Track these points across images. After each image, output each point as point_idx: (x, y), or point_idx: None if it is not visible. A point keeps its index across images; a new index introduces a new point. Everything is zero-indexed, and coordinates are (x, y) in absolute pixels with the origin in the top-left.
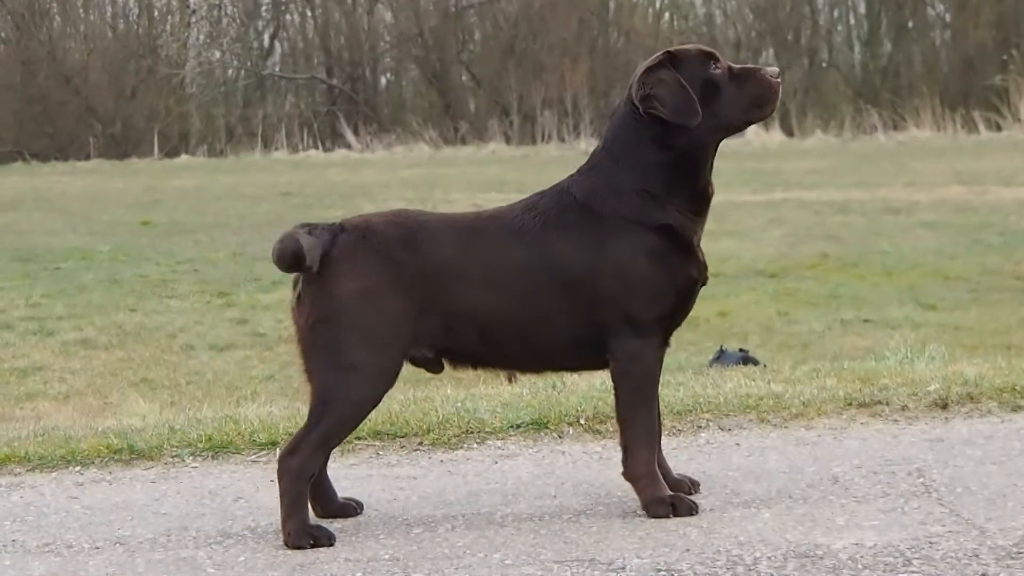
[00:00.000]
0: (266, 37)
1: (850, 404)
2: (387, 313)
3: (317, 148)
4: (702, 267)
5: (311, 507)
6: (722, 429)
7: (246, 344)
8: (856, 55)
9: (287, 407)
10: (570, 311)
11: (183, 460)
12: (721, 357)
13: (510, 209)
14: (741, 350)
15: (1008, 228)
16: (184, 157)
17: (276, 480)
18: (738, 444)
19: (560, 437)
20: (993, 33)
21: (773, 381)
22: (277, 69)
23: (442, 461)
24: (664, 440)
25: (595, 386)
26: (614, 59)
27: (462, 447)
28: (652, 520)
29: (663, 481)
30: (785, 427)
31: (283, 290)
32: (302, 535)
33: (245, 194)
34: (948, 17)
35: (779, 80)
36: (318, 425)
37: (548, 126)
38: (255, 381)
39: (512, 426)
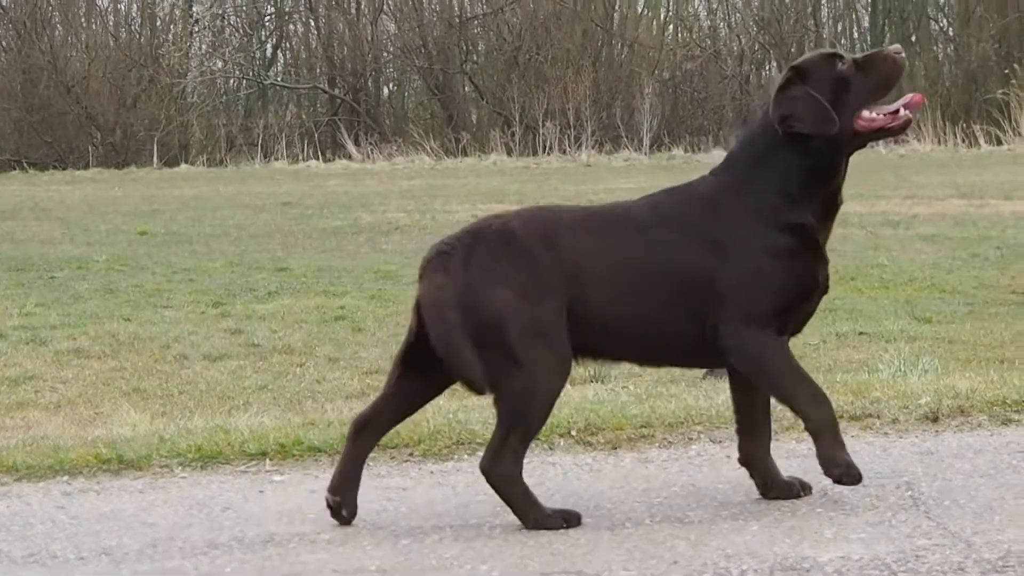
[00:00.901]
0: (269, 47)
1: (841, 416)
2: (546, 308)
3: (318, 158)
4: (826, 275)
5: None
6: (713, 441)
7: (240, 354)
8: None
9: (279, 417)
10: (692, 308)
11: (172, 470)
12: (716, 369)
13: (639, 205)
14: None
15: (1006, 242)
16: (184, 167)
17: (494, 491)
18: (728, 457)
19: (551, 449)
20: (996, 47)
21: None
22: (279, 79)
23: (432, 472)
24: (655, 451)
25: (587, 398)
26: (617, 71)
27: (453, 458)
28: (640, 532)
29: (843, 441)
30: (776, 440)
31: (279, 300)
32: (551, 519)
33: (244, 204)
34: (951, 31)
35: (902, 55)
36: (516, 429)
37: (550, 137)
38: (248, 391)
39: None
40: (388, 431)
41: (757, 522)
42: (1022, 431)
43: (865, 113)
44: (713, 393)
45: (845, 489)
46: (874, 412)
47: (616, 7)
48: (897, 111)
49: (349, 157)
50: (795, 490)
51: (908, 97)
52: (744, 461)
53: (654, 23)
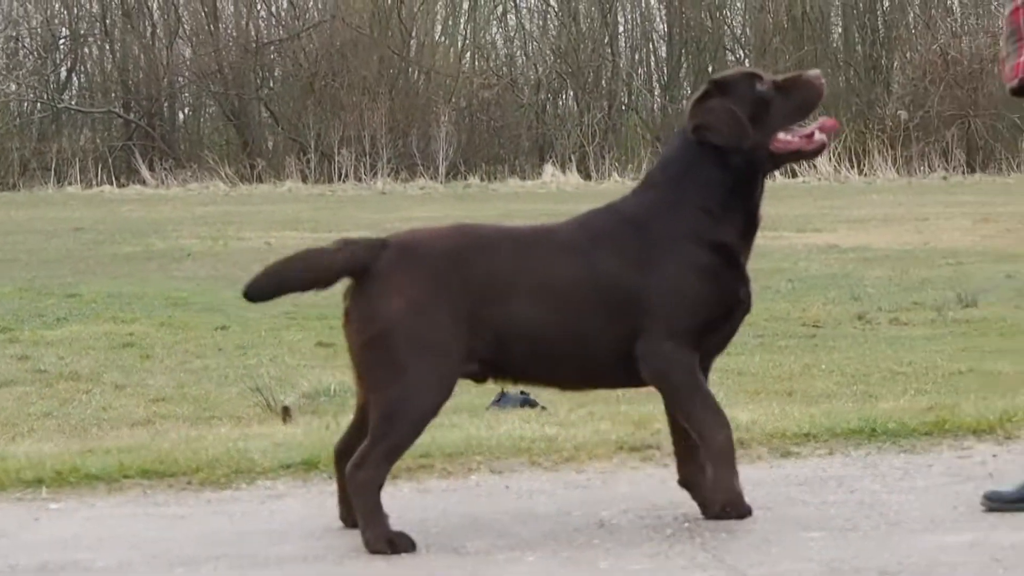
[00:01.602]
0: (63, 70)
1: (622, 448)
2: (440, 325)
3: (112, 183)
4: (748, 292)
5: (340, 508)
6: (493, 472)
7: (26, 380)
8: (656, 99)
9: (61, 444)
10: (617, 328)
11: None
12: (502, 399)
13: (564, 225)
14: (522, 392)
15: (798, 275)
16: None
17: (350, 494)
18: (508, 487)
19: (330, 478)
20: None
21: (548, 424)
22: (73, 102)
23: (210, 501)
24: (434, 481)
25: None
26: (414, 99)
27: (231, 487)
28: (416, 563)
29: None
30: (556, 470)
31: (68, 326)
32: (382, 543)
33: (36, 229)
34: (748, 63)
35: (822, 80)
36: (384, 439)
37: (346, 165)
38: (32, 418)
39: (283, 466)
40: None
41: (534, 553)
42: (801, 464)
43: (782, 135)
44: (495, 423)
45: (623, 521)
46: (655, 444)
47: (413, 35)
48: (812, 134)
49: (143, 182)
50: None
51: (821, 121)
52: (683, 483)
53: (451, 51)
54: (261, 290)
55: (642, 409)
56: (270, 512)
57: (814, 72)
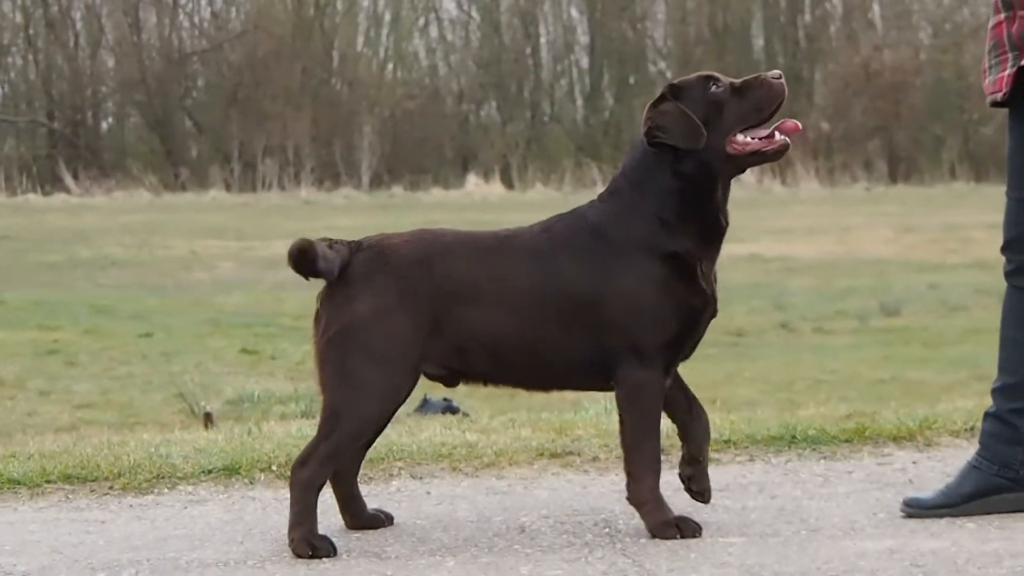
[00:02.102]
0: None
1: (542, 454)
2: (398, 332)
3: (36, 192)
4: (709, 298)
5: (342, 517)
6: (414, 477)
7: None
8: (578, 109)
9: None
10: (577, 334)
11: None
12: (425, 406)
13: (528, 230)
14: (445, 399)
15: (721, 284)
16: None
17: (289, 489)
18: (429, 492)
19: (252, 483)
20: None
21: (469, 430)
22: None
23: (132, 506)
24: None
25: (291, 433)
26: (337, 109)
27: (153, 492)
28: (337, 568)
29: (666, 504)
30: (477, 476)
31: None
32: (304, 545)
33: None
34: (670, 74)
35: (781, 80)
36: (328, 439)
37: (269, 174)
38: None
39: (204, 471)
40: (364, 452)
41: (454, 558)
42: (723, 470)
43: (739, 137)
44: (417, 430)
45: (544, 526)
46: (575, 450)
47: (335, 45)
48: (772, 135)
49: (68, 191)
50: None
51: (782, 121)
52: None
53: (373, 62)
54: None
55: (563, 416)
56: (191, 517)
57: (774, 72)
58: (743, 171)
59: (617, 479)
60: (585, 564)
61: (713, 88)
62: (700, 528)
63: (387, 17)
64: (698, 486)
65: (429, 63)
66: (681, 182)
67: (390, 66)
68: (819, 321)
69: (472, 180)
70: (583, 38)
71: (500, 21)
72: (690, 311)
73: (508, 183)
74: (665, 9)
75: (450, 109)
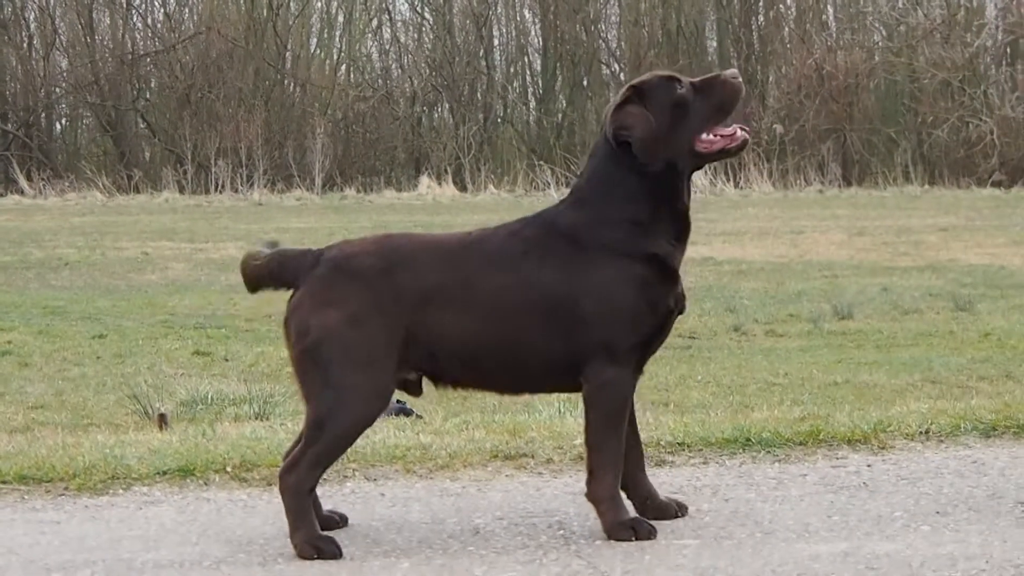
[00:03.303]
0: None
1: (496, 456)
2: (373, 336)
3: None
4: (680, 296)
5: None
6: (368, 479)
7: None
8: (531, 112)
9: None
10: (549, 337)
11: None
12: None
13: (493, 234)
14: (399, 401)
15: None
16: None
17: (281, 496)
18: (383, 494)
19: (206, 485)
20: None
21: (423, 432)
22: None
23: (86, 507)
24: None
25: (245, 435)
26: (290, 110)
27: (107, 493)
28: (291, 569)
29: (624, 506)
30: (431, 478)
31: None
32: (308, 547)
33: None
34: (623, 76)
35: (739, 79)
36: (314, 445)
37: (222, 176)
38: None
39: (158, 472)
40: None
41: (408, 560)
42: (676, 472)
43: (704, 136)
44: (370, 431)
45: (498, 528)
46: (529, 452)
47: (288, 47)
48: (735, 132)
49: (21, 192)
50: (672, 511)
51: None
52: (623, 484)
53: (326, 63)
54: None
55: (517, 418)
56: (145, 518)
57: (731, 72)
58: (702, 168)
59: (571, 481)
60: (539, 566)
61: (678, 88)
62: (655, 530)
63: (340, 19)
64: (654, 502)
65: (382, 65)
66: (650, 182)
67: (343, 68)
68: (771, 324)
69: (424, 182)
70: (536, 40)
71: (453, 23)
72: (665, 311)
73: (460, 185)
74: (618, 11)
75: (403, 111)
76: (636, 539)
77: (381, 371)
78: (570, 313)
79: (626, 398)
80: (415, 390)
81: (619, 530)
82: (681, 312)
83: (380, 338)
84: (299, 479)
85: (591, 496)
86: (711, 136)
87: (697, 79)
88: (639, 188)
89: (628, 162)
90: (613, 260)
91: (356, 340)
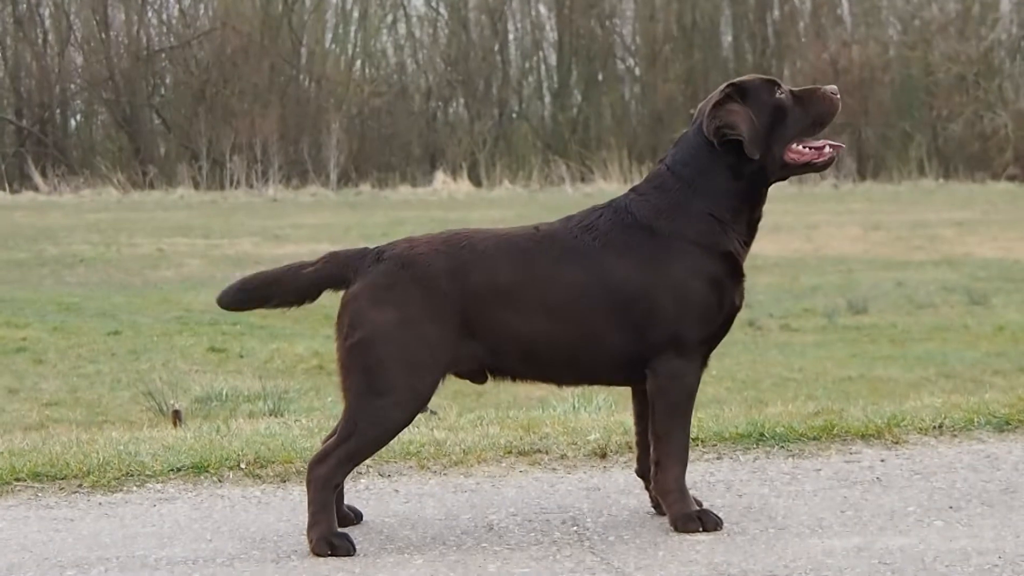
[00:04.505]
0: None
1: (510, 452)
2: (424, 341)
3: (4, 190)
4: (743, 294)
5: None
6: (382, 475)
7: None
8: (546, 107)
9: None
10: (622, 331)
11: None
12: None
13: (565, 227)
14: None
15: None
16: None
17: (306, 487)
18: (397, 490)
19: (220, 481)
20: (682, 87)
21: (437, 428)
22: None
23: (100, 504)
24: None
25: (259, 431)
26: (305, 106)
27: (121, 490)
28: (305, 565)
29: (690, 498)
30: (445, 474)
31: None
32: (324, 544)
33: None
34: (638, 71)
35: (838, 96)
36: (348, 441)
37: (237, 172)
38: None
39: (172, 469)
40: None
41: (422, 556)
42: (690, 467)
43: (795, 146)
44: None
45: (512, 524)
46: (543, 448)
47: (303, 43)
48: (823, 147)
49: (36, 189)
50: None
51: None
52: (640, 473)
53: (341, 59)
54: (241, 303)
55: (531, 414)
56: (160, 515)
57: (831, 87)
58: (787, 178)
59: (585, 476)
60: (553, 562)
61: (778, 93)
62: (721, 522)
63: (355, 14)
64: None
65: (397, 60)
66: (738, 183)
67: (358, 63)
68: (786, 319)
69: (439, 177)
70: (551, 35)
71: (468, 18)
72: (732, 307)
73: (475, 180)
74: (634, 6)
75: (418, 106)
76: (704, 531)
77: (426, 375)
78: (645, 308)
79: (693, 390)
80: (479, 380)
81: (686, 521)
82: (740, 308)
83: (431, 343)
84: (328, 472)
85: (658, 488)
86: (801, 148)
87: (796, 88)
88: (728, 186)
89: (723, 158)
90: (691, 252)
91: (407, 343)
